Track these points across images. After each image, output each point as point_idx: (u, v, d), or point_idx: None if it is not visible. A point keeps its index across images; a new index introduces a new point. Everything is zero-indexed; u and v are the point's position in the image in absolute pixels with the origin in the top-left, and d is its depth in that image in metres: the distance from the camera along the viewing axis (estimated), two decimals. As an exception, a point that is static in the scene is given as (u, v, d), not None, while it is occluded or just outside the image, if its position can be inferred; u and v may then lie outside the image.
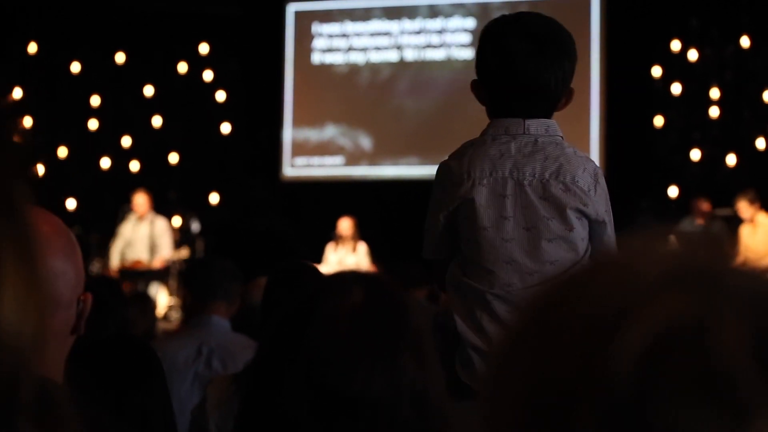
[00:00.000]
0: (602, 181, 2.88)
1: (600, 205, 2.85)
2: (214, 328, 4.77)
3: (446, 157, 2.96)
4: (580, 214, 2.83)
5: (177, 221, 13.18)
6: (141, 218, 12.37)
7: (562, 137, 2.92)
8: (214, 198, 14.02)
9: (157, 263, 12.25)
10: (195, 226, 13.12)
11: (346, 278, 1.87)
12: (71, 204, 13.64)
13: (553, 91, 2.86)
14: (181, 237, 12.97)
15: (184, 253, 12.54)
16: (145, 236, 12.29)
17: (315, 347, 1.74)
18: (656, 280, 0.71)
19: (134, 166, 13.82)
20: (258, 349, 1.93)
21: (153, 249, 12.29)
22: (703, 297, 0.69)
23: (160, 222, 12.46)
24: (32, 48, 13.48)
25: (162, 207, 12.82)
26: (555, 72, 2.85)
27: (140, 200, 12.35)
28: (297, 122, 13.97)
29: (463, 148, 2.93)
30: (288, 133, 14.00)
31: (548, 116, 2.91)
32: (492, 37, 2.90)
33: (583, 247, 2.85)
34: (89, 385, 2.59)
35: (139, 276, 11.90)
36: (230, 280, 4.95)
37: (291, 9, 13.99)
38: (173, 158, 14.00)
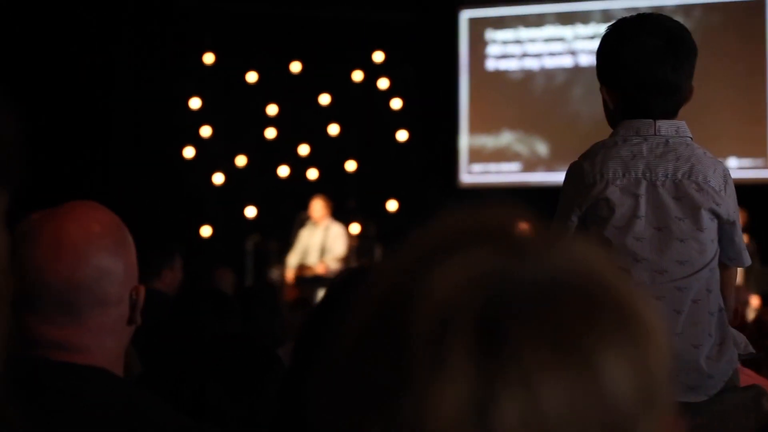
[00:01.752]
0: (731, 182, 2.92)
1: (730, 205, 2.88)
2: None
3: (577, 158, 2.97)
4: (713, 215, 2.85)
5: (355, 228, 13.29)
6: (317, 224, 12.44)
7: (691, 138, 2.94)
8: (392, 205, 14.09)
9: (320, 268, 12.21)
10: (373, 233, 13.17)
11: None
12: (251, 212, 13.88)
13: (684, 89, 2.91)
14: (360, 244, 13.05)
15: (348, 259, 12.43)
16: (318, 242, 12.37)
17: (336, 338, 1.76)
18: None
19: (312, 174, 14.00)
20: (295, 344, 1.96)
21: (323, 255, 12.37)
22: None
23: (336, 228, 12.47)
24: (209, 59, 13.78)
25: (340, 214, 12.93)
26: (685, 70, 2.90)
27: (317, 206, 12.41)
28: (473, 129, 14.00)
29: (595, 148, 2.95)
30: (464, 140, 14.04)
31: (676, 114, 2.95)
32: (624, 38, 2.92)
33: (713, 248, 2.87)
34: (223, 383, 2.68)
35: (311, 282, 11.96)
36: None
37: (465, 16, 14.01)
38: (350, 166, 14.12)
